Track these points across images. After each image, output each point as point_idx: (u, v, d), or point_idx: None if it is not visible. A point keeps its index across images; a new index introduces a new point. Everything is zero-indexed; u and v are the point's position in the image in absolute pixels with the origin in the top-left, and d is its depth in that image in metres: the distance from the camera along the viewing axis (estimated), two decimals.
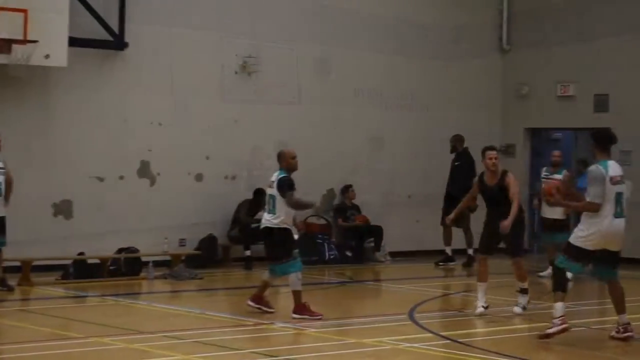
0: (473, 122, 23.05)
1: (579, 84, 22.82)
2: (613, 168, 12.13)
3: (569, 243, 12.37)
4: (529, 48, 23.63)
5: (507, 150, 23.70)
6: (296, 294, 13.79)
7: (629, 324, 12.40)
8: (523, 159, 23.43)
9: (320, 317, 13.69)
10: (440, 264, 20.70)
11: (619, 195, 12.02)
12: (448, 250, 20.81)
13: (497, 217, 14.06)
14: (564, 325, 12.20)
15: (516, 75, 23.76)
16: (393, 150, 22.38)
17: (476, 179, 14.63)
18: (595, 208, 12.03)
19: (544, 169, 19.38)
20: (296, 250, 13.97)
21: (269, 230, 13.97)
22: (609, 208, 11.98)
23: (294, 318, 13.57)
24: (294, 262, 13.84)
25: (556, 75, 23.12)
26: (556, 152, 19.69)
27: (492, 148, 14.46)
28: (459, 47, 23.26)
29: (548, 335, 12.23)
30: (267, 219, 13.93)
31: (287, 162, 14.03)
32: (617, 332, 12.41)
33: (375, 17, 22.08)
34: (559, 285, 12.36)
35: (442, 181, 21.08)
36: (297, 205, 14.03)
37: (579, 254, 12.17)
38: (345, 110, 21.67)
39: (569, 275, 12.77)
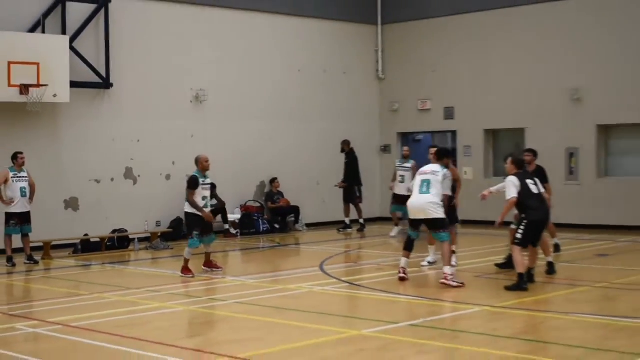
0: (360, 130, 23.17)
1: (433, 101, 22.85)
2: (425, 167, 12.60)
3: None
4: (397, 77, 23.61)
5: (385, 149, 23.85)
6: (185, 260, 13.48)
7: (452, 274, 12.09)
8: (396, 155, 23.16)
9: (192, 276, 13.33)
10: (341, 230, 20.63)
11: (422, 182, 12.30)
12: (347, 220, 20.75)
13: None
14: (401, 275, 12.45)
15: (389, 96, 23.71)
16: (305, 152, 22.24)
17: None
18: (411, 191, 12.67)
19: (398, 160, 19.63)
20: (196, 232, 13.35)
21: (185, 214, 13.67)
22: (415, 189, 12.37)
23: (181, 276, 13.37)
24: (192, 239, 13.40)
25: (417, 95, 23.13)
26: (405, 148, 19.78)
27: (434, 146, 13.95)
28: (349, 78, 23.24)
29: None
30: (186, 206, 13.55)
31: (201, 164, 13.57)
32: (445, 279, 12.04)
33: (290, 65, 21.94)
34: (406, 246, 12.56)
35: (340, 172, 21.15)
36: (191, 203, 13.29)
37: (411, 223, 12.50)
38: (271, 125, 21.50)
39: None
